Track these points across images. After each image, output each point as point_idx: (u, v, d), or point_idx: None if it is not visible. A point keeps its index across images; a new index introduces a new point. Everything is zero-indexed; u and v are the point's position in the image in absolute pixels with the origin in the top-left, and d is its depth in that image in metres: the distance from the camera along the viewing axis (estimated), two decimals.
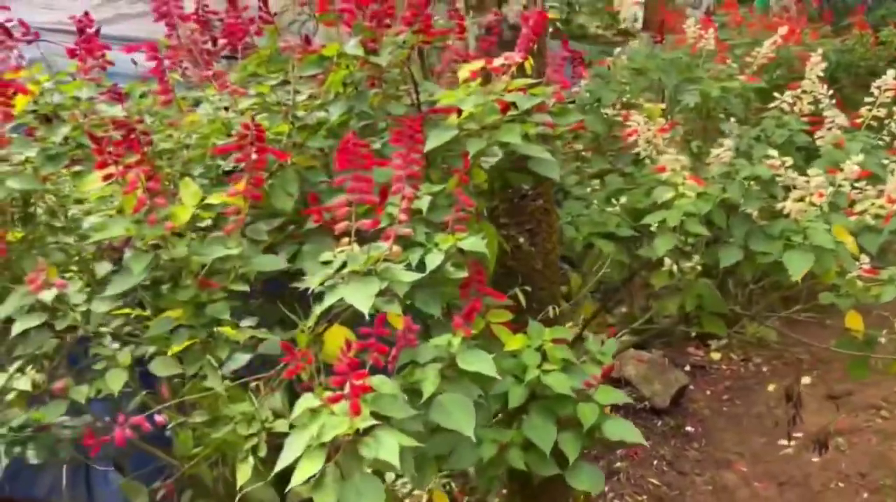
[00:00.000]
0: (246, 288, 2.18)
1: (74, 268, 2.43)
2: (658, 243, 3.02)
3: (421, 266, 2.12)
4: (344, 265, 2.00)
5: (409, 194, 1.97)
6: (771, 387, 6.20)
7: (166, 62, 2.31)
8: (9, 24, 2.68)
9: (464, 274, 2.12)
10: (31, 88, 2.37)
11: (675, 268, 3.35)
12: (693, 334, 6.24)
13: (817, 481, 5.12)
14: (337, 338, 2.13)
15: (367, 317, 1.99)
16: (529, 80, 2.30)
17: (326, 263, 2.12)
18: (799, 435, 5.53)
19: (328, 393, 1.84)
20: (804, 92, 3.62)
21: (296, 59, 2.57)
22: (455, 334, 2.02)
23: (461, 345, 2.00)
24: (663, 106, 3.45)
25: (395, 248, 2.02)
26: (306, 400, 1.85)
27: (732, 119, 4.01)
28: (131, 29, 5.19)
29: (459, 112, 2.27)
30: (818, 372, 6.23)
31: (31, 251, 2.26)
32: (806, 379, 6.24)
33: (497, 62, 2.21)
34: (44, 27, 3.92)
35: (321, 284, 1.98)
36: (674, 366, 6.25)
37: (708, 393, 6.26)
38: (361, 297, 1.89)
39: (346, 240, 1.97)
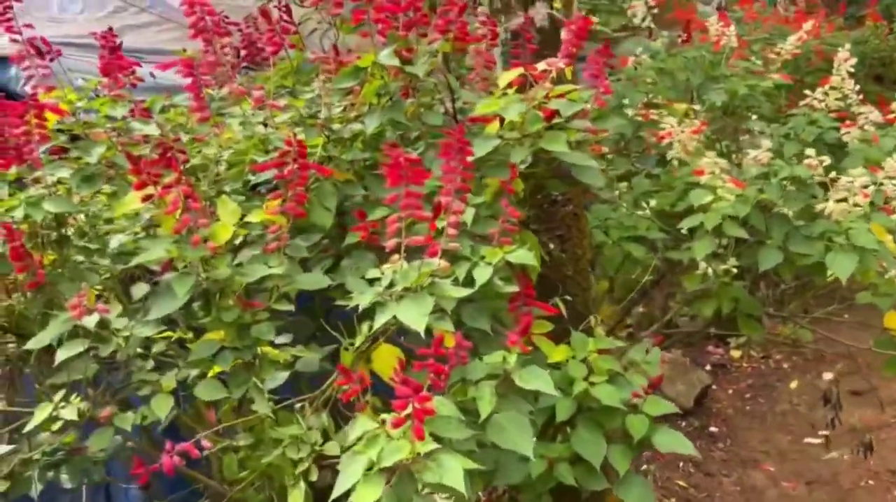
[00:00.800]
0: (291, 307, 2.13)
1: (105, 290, 2.38)
2: (697, 247, 2.97)
3: (468, 280, 2.07)
4: (392, 282, 1.95)
5: (459, 208, 1.92)
6: (793, 385, 6.16)
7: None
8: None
9: (514, 287, 2.06)
10: (63, 107, 2.31)
11: (709, 271, 3.30)
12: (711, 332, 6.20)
13: (847, 479, 5.07)
14: (386, 356, 2.08)
15: (409, 334, 1.95)
16: (571, 86, 2.25)
17: (373, 280, 2.07)
18: (825, 432, 5.48)
19: (384, 416, 1.79)
20: (832, 88, 3.57)
21: (326, 70, 2.52)
22: (510, 350, 1.97)
23: (517, 362, 1.95)
24: (691, 106, 3.39)
25: (443, 263, 1.96)
26: (361, 423, 1.80)
27: (753, 117, 3.96)
28: (136, 41, 5.12)
29: (502, 121, 2.22)
30: (840, 367, 6.18)
31: (65, 274, 2.21)
32: (828, 375, 6.20)
33: (540, 67, 2.16)
34: (53, 41, 3.87)
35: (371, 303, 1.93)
36: (695, 365, 6.20)
37: (730, 391, 6.21)
38: (415, 316, 1.84)
39: (395, 256, 1.92)
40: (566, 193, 3.15)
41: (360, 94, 2.38)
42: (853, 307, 3.03)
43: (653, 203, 3.50)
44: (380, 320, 1.89)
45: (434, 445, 1.68)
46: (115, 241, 2.36)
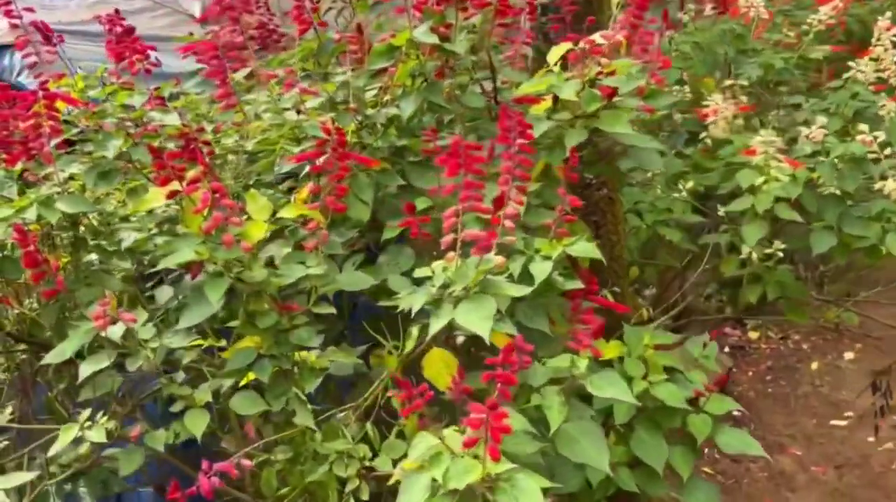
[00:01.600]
0: (332, 310, 1.96)
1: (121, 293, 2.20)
2: (747, 231, 2.80)
3: (524, 276, 1.90)
4: (446, 282, 1.77)
5: (518, 199, 1.74)
6: (814, 366, 6.02)
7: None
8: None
9: (576, 283, 1.89)
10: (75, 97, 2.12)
11: (753, 255, 3.14)
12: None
13: (876, 462, 4.93)
14: (438, 362, 1.91)
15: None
16: (628, 61, 2.07)
17: (422, 279, 1.90)
18: (850, 414, 5.36)
19: (446, 431, 1.62)
20: (871, 59, 3.40)
21: (353, 50, 2.34)
22: (579, 354, 1.80)
23: (589, 368, 1.78)
24: (736, 82, 3.21)
25: (500, 259, 1.79)
26: (422, 439, 1.63)
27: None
28: None
29: (556, 100, 2.04)
30: (861, 346, 6.05)
31: (82, 279, 2.03)
32: (849, 355, 6.06)
33: (597, 39, 1.97)
34: None
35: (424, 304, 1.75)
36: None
37: (750, 374, 6.07)
38: (477, 319, 1.67)
39: (451, 253, 1.74)
40: (599, 176, 2.98)
41: (395, 75, 2.20)
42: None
43: (689, 184, 3.33)
44: (436, 325, 1.71)
45: (508, 464, 1.51)
46: (128, 238, 2.18)
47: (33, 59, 2.40)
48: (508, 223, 1.76)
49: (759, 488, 4.89)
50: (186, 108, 2.32)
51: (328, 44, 2.52)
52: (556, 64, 2.16)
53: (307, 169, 2.19)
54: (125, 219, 2.11)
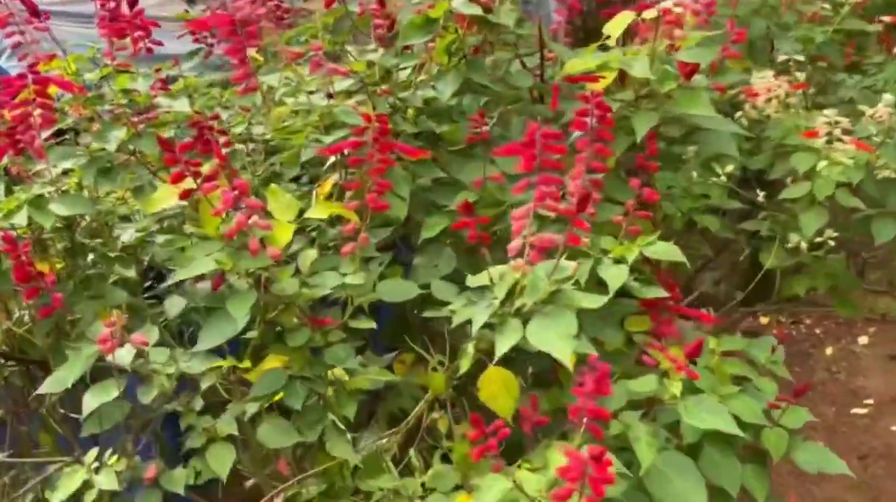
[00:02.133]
0: (372, 324, 1.71)
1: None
2: (805, 220, 2.56)
3: (591, 282, 1.65)
4: (511, 293, 1.52)
5: (596, 197, 1.49)
6: (828, 351, 5.83)
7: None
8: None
9: (657, 291, 1.65)
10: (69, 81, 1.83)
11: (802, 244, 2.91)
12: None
13: None
14: (496, 383, 1.66)
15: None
16: (699, 33, 1.81)
17: (471, 287, 1.65)
18: (869, 401, 5.17)
19: (521, 474, 1.38)
20: None
21: (379, 24, 2.07)
22: (671, 376, 1.55)
23: (684, 393, 1.53)
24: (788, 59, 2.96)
25: (571, 265, 1.54)
26: (494, 483, 1.38)
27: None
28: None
29: (622, 76, 1.79)
30: (874, 330, 5.86)
31: (81, 291, 1.76)
32: (863, 339, 5.88)
33: (671, 6, 1.71)
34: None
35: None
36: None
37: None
38: (555, 338, 1.41)
39: (519, 260, 1.48)
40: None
41: (434, 51, 1.94)
42: None
43: (728, 168, 3.08)
44: (502, 345, 1.46)
45: None
46: (125, 235, 1.92)
47: (17, 38, 2.12)
48: (583, 223, 1.50)
49: (783, 483, 4.68)
50: (190, 92, 2.04)
51: (346, 17, 2.23)
52: (610, 37, 1.91)
53: (331, 160, 1.93)
54: (126, 218, 1.84)
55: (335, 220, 1.87)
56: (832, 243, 2.88)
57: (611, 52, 1.83)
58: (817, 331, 6.19)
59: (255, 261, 1.58)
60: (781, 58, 2.76)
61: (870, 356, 5.60)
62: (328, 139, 1.77)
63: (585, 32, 2.40)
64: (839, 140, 2.41)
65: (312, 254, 1.70)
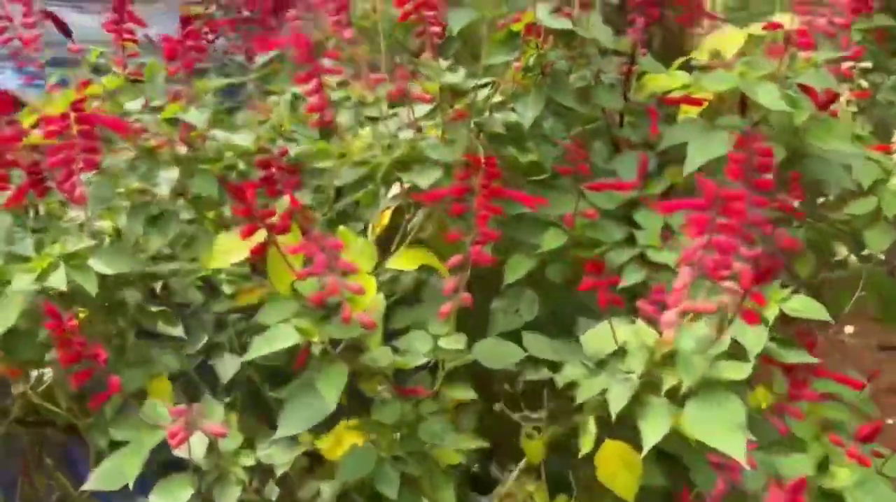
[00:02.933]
0: (473, 394, 1.48)
1: None
2: (870, 237, 2.39)
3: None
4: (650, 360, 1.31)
5: (735, 245, 1.27)
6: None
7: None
8: None
9: (802, 355, 1.45)
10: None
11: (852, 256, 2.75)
12: None
13: None
14: (614, 460, 1.45)
15: None
16: (827, 53, 1.60)
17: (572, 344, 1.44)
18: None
19: None
20: None
21: (434, 33, 1.82)
22: (835, 459, 1.36)
23: (853, 479, 1.34)
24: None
25: (726, 337, 1.33)
26: None
27: None
28: None
29: (742, 105, 1.57)
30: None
31: (124, 356, 1.50)
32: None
33: (786, 22, 1.49)
34: None
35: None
36: None
37: None
38: (722, 430, 1.21)
39: (670, 332, 1.27)
40: None
41: (517, 70, 1.71)
42: None
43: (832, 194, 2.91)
44: (652, 435, 1.24)
45: None
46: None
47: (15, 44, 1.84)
48: (763, 299, 1.29)
49: None
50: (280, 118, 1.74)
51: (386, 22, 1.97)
52: (718, 55, 1.69)
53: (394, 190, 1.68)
54: (175, 273, 1.57)
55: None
56: (882, 256, 2.73)
57: (724, 74, 1.61)
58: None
59: (348, 330, 1.34)
60: (866, 64, 2.58)
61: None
62: (406, 177, 1.53)
63: (663, 47, 2.19)
64: None
65: (401, 314, 1.47)
